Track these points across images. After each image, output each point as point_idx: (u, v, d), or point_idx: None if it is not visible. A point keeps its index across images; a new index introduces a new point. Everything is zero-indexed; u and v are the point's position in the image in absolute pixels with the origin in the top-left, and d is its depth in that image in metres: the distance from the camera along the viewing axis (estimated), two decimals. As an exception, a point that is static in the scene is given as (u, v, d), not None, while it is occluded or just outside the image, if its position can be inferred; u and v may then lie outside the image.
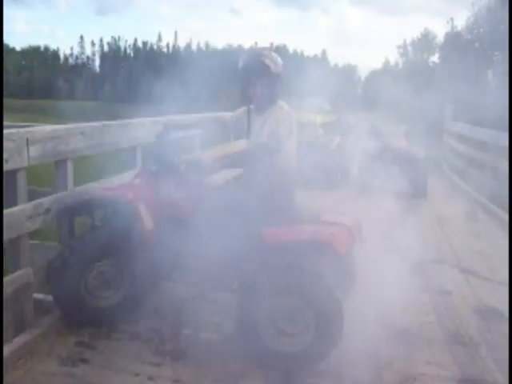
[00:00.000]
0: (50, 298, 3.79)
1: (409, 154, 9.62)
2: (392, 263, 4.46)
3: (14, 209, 3.28)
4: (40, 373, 3.18)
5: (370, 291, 3.82)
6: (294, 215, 3.54)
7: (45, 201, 3.58)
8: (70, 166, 3.84)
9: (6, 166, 3.14)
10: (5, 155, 3.10)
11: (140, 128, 4.83)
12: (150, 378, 3.18)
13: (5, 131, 3.23)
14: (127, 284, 3.77)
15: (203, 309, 3.94)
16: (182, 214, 3.60)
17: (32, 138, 3.33)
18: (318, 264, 3.29)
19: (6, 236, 3.18)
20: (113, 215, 3.73)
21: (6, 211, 3.23)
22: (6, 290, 3.24)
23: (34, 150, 3.35)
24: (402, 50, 51.31)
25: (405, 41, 49.82)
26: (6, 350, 3.22)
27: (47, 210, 3.57)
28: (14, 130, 3.32)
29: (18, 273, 3.37)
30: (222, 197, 3.64)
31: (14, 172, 3.25)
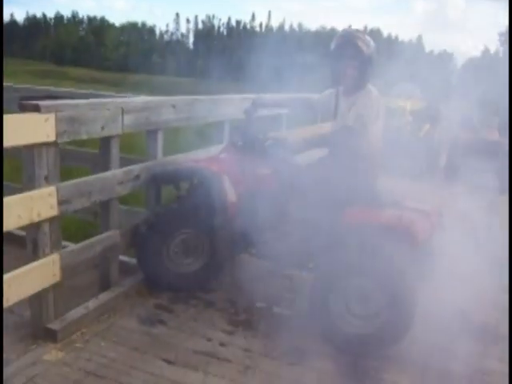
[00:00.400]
0: (134, 260, 4.02)
1: (501, 148, 9.25)
2: (473, 258, 4.36)
3: (107, 173, 3.49)
4: (121, 328, 3.40)
5: (448, 282, 3.76)
6: (375, 198, 3.53)
7: (135, 168, 3.77)
8: (160, 137, 4.01)
9: (102, 133, 3.33)
10: (101, 123, 3.29)
11: (229, 104, 4.94)
12: (222, 344, 3.32)
13: (101, 100, 3.43)
14: (207, 253, 3.92)
15: (278, 284, 4.03)
16: (265, 190, 3.68)
17: (126, 108, 3.51)
18: (394, 249, 3.27)
19: (98, 198, 3.40)
20: (198, 186, 3.88)
21: (99, 175, 3.44)
22: (96, 249, 3.47)
23: (127, 119, 3.53)
24: (503, 38, 48.88)
25: (507, 28, 47.39)
26: (91, 304, 3.46)
27: (137, 177, 3.76)
28: (109, 100, 3.51)
29: (107, 233, 3.59)
30: (305, 175, 3.69)
31: (108, 138, 3.44)
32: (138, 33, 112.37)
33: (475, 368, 3.25)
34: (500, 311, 4.08)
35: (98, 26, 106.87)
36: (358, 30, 3.72)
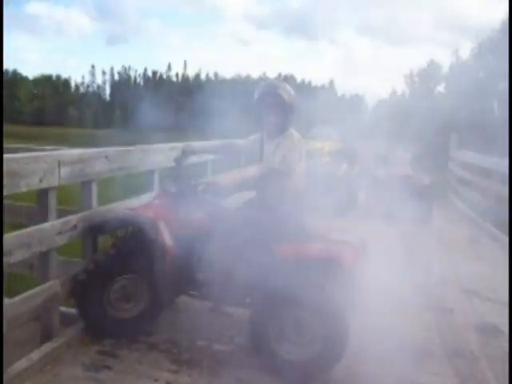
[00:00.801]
0: (73, 311, 4.05)
1: (414, 181, 9.86)
2: (396, 283, 4.69)
3: (46, 224, 3.56)
4: (66, 377, 3.43)
5: (374, 308, 4.03)
6: (303, 233, 3.79)
7: (72, 218, 3.86)
8: (94, 187, 4.13)
9: (40, 185, 3.43)
10: (39, 175, 3.40)
11: (159, 153, 5.13)
12: (169, 383, 3.41)
13: (39, 153, 3.55)
14: (147, 297, 4.02)
15: (218, 322, 4.17)
16: (200, 233, 3.86)
17: (62, 160, 3.63)
18: (323, 278, 3.52)
19: (38, 249, 3.46)
20: (135, 232, 4.01)
21: (38, 226, 3.52)
22: (37, 300, 3.51)
23: (64, 171, 3.64)
24: (408, 80, 51.96)
25: (411, 71, 50.43)
26: (35, 355, 3.48)
27: (74, 227, 3.85)
28: (46, 153, 3.62)
29: (48, 284, 3.63)
30: (237, 217, 3.91)
31: (46, 191, 3.54)
32: (52, 85, 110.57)
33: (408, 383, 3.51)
34: (426, 330, 4.43)
35: (11, 79, 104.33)
36: (278, 80, 4.03)
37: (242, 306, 3.93)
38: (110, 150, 4.32)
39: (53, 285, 3.67)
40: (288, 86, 3.94)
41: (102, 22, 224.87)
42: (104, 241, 4.51)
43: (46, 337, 3.74)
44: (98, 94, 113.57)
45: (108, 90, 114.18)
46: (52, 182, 3.54)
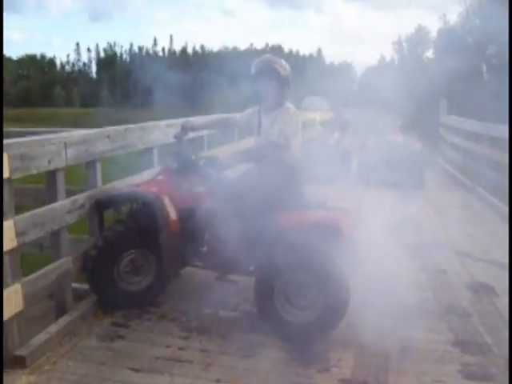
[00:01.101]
0: (84, 286, 4.24)
1: (405, 148, 10.04)
2: (391, 247, 4.88)
3: (56, 204, 3.71)
4: (83, 348, 3.62)
5: (371, 271, 4.22)
6: (302, 202, 3.96)
7: (80, 197, 4.01)
8: (98, 167, 4.27)
9: (49, 167, 3.57)
10: (47, 157, 3.53)
11: (156, 130, 5.25)
12: (181, 349, 3.62)
13: (46, 136, 3.68)
14: (154, 270, 4.20)
15: (222, 290, 4.36)
16: (202, 205, 4.02)
17: (69, 142, 3.76)
18: (325, 243, 3.71)
19: (50, 228, 3.62)
20: (141, 208, 4.17)
21: (49, 206, 3.67)
22: (51, 277, 3.68)
23: (70, 152, 3.78)
24: (397, 46, 51.76)
25: (399, 37, 50.19)
26: (53, 329, 3.66)
27: (82, 205, 4.00)
28: (52, 135, 3.76)
29: (60, 261, 3.80)
30: (238, 188, 4.07)
31: (54, 172, 3.68)
32: (37, 65, 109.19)
33: (407, 339, 3.72)
34: (420, 290, 4.64)
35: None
36: (274, 56, 4.15)
37: (246, 274, 4.11)
38: (112, 130, 4.45)
39: (65, 262, 3.84)
40: (283, 61, 4.07)
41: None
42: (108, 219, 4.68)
43: (61, 312, 3.92)
44: (84, 72, 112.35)
45: (94, 68, 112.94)
46: (60, 163, 3.68)
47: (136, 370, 3.33)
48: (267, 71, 3.99)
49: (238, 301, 4.34)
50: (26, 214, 3.38)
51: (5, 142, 3.16)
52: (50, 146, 3.56)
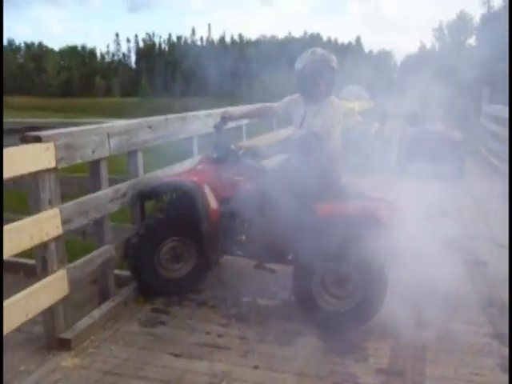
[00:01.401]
0: (125, 273, 4.35)
1: (446, 138, 9.88)
2: (431, 238, 4.84)
3: (99, 193, 3.82)
4: (125, 332, 3.73)
5: (411, 262, 4.21)
6: (342, 193, 3.97)
7: (122, 186, 4.11)
8: (140, 156, 4.36)
9: (93, 156, 3.68)
10: (91, 147, 3.64)
11: (195, 120, 5.32)
12: (220, 336, 3.69)
13: (88, 127, 3.78)
14: (194, 257, 4.29)
15: (260, 279, 4.41)
16: (242, 195, 4.07)
17: (111, 132, 3.86)
18: (363, 234, 3.71)
19: (94, 216, 3.73)
20: (181, 197, 4.24)
21: (93, 195, 3.78)
22: (96, 263, 3.79)
23: (113, 142, 3.87)
24: (437, 33, 50.79)
25: (441, 23, 49.23)
26: (96, 314, 3.78)
27: (124, 194, 4.11)
28: (95, 126, 3.85)
29: (103, 248, 3.91)
30: (277, 177, 4.10)
31: (98, 161, 3.79)
32: (78, 56, 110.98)
33: (444, 330, 3.71)
34: (460, 282, 4.59)
35: (37, 53, 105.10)
36: (322, 50, 4.15)
37: (284, 263, 4.15)
38: (153, 120, 4.53)
39: (108, 249, 3.95)
40: (332, 55, 4.09)
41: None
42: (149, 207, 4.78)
43: (104, 297, 4.04)
44: (123, 62, 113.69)
45: (133, 58, 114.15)
46: (103, 153, 3.78)
47: (176, 355, 3.42)
48: (321, 63, 4.02)
49: (276, 289, 4.38)
50: (71, 203, 3.50)
51: (50, 132, 3.28)
52: (93, 136, 3.66)
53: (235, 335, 3.70)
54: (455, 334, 3.71)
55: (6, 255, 2.89)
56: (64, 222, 3.34)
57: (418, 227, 4.64)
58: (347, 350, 3.49)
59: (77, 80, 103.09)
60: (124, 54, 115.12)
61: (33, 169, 3.10)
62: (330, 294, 3.80)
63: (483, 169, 11.29)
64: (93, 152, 3.65)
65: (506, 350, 3.51)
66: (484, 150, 13.18)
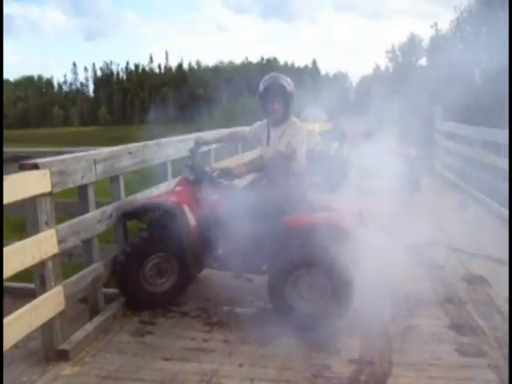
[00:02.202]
0: (112, 290, 4.66)
1: (400, 155, 10.42)
2: (392, 245, 5.29)
3: (88, 214, 4.14)
4: (118, 342, 4.04)
5: (372, 267, 4.62)
6: (309, 206, 4.40)
7: (108, 208, 4.45)
8: (121, 180, 4.71)
9: (82, 181, 4.01)
10: (81, 173, 3.98)
11: (170, 146, 5.70)
12: (205, 340, 4.04)
13: (78, 154, 4.12)
14: (176, 272, 4.63)
15: (237, 290, 4.77)
16: (218, 212, 4.45)
17: (98, 159, 4.21)
18: (331, 242, 4.13)
19: (84, 236, 4.06)
20: (163, 216, 4.60)
21: (83, 216, 4.10)
22: (87, 279, 4.11)
23: (99, 168, 4.22)
24: (390, 55, 52.53)
25: (393, 45, 50.97)
26: (89, 327, 4.08)
27: (110, 215, 4.44)
28: (83, 153, 4.19)
29: (93, 266, 4.23)
30: (249, 195, 4.50)
31: (86, 186, 4.12)
32: (35, 86, 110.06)
33: (406, 325, 4.15)
34: (419, 282, 5.05)
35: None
36: (280, 74, 4.60)
37: (259, 273, 4.52)
38: (132, 146, 4.89)
39: (98, 266, 4.27)
40: (288, 79, 4.53)
41: (78, 17, 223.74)
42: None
43: (94, 312, 4.33)
44: (81, 91, 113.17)
45: (91, 87, 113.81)
46: (91, 178, 4.13)
47: (167, 359, 3.75)
48: (275, 87, 4.43)
49: (252, 299, 4.75)
50: (66, 224, 3.82)
51: (45, 160, 3.61)
52: (83, 162, 4.00)
53: (219, 339, 4.05)
54: (417, 326, 4.15)
55: (12, 272, 3.20)
56: (60, 241, 3.66)
57: (380, 236, 5.09)
58: (321, 345, 3.88)
59: (34, 110, 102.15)
60: (82, 83, 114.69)
61: (32, 193, 3.42)
62: (302, 298, 4.19)
63: (438, 182, 11.94)
64: (82, 177, 3.99)
65: (462, 338, 3.97)
66: (439, 165, 13.88)
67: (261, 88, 4.49)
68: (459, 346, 3.84)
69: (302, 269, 4.15)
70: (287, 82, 4.48)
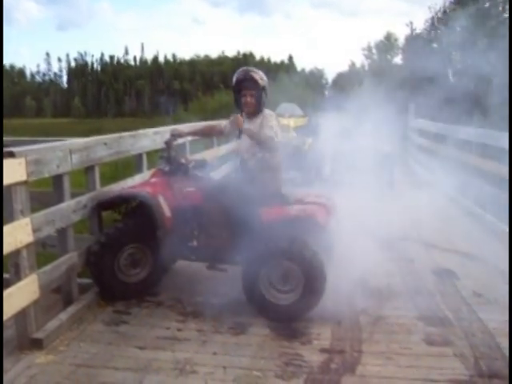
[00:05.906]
0: (85, 281, 4.68)
1: (375, 150, 10.58)
2: (363, 240, 5.39)
3: (63, 204, 4.15)
4: (92, 332, 4.07)
5: (345, 260, 4.71)
6: (283, 199, 4.46)
7: (83, 198, 4.46)
8: (97, 171, 4.71)
9: (58, 171, 4.02)
10: (56, 162, 3.98)
11: (145, 138, 5.71)
12: (179, 330, 4.09)
13: (54, 144, 4.12)
14: (151, 262, 4.66)
15: (212, 281, 4.82)
16: (193, 203, 4.50)
17: (73, 149, 4.22)
18: (304, 234, 4.21)
19: (59, 225, 4.06)
20: (138, 207, 4.62)
21: (58, 206, 4.11)
22: (62, 269, 4.12)
23: (74, 158, 4.23)
24: (366, 52, 52.94)
25: (369, 43, 51.40)
26: (63, 316, 4.10)
27: (85, 206, 4.45)
28: (59, 143, 4.20)
29: (68, 255, 4.24)
30: (224, 186, 4.55)
31: (61, 175, 4.12)
32: (7, 76, 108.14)
33: (377, 316, 4.26)
34: (389, 276, 5.16)
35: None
36: (252, 67, 4.64)
37: (233, 263, 4.58)
38: (108, 137, 4.90)
39: (72, 256, 4.28)
40: (261, 72, 4.58)
41: (50, 6, 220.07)
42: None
43: (68, 302, 4.35)
44: (55, 82, 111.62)
45: (65, 78, 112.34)
46: (66, 167, 4.13)
47: (141, 348, 3.79)
48: (246, 81, 4.48)
49: (226, 290, 4.78)
50: (41, 213, 3.83)
51: (22, 148, 3.61)
52: (58, 152, 4.01)
53: (193, 329, 4.10)
54: (387, 317, 4.25)
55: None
56: (34, 230, 3.67)
57: (353, 230, 5.18)
58: (294, 335, 3.96)
59: (6, 100, 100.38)
60: (55, 74, 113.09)
61: (7, 182, 3.42)
62: (276, 289, 4.26)
63: (411, 178, 12.12)
64: (57, 167, 4.00)
65: (430, 329, 4.08)
66: (412, 161, 14.10)
67: (233, 81, 4.54)
68: (427, 336, 3.95)
69: (275, 260, 4.22)
70: (259, 76, 4.52)
